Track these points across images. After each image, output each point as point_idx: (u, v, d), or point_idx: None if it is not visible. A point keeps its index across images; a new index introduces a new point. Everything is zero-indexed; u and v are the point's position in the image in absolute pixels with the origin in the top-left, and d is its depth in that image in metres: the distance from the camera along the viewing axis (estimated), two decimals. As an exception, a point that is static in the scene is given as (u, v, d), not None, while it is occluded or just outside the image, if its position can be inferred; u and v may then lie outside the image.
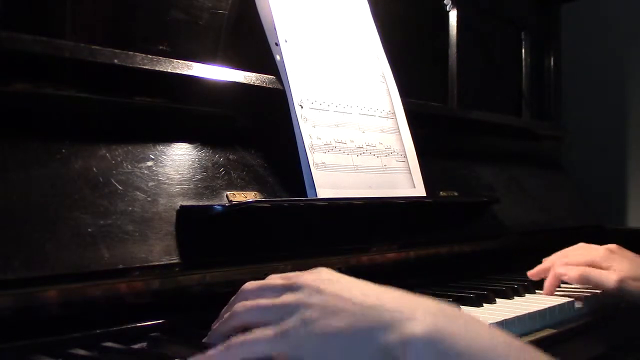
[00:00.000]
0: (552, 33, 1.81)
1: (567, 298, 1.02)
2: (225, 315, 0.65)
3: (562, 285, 1.12)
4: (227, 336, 0.62)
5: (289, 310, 0.59)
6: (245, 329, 0.61)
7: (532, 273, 1.12)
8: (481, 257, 1.25)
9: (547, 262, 1.11)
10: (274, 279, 0.66)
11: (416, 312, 0.55)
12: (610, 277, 1.01)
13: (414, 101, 1.20)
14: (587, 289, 1.09)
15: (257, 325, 0.60)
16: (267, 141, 0.95)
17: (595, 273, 1.03)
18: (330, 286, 0.60)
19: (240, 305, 0.63)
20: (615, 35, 1.95)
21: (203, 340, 0.67)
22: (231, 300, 0.68)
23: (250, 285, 0.66)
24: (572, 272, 1.04)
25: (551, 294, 1.06)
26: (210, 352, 0.59)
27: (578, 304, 1.02)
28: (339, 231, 0.97)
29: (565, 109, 1.86)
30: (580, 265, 1.05)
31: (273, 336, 0.57)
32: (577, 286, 1.11)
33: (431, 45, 1.45)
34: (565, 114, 1.86)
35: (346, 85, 1.05)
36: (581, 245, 1.12)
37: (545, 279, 1.08)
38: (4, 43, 0.69)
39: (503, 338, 0.54)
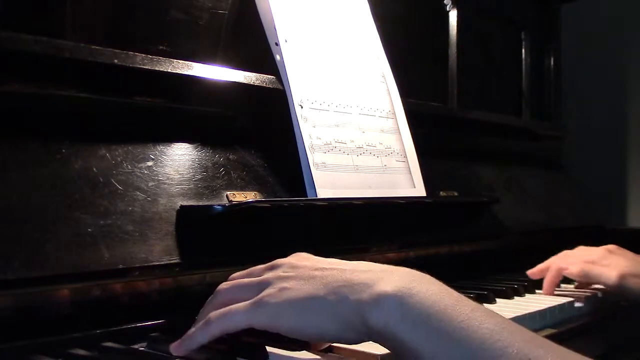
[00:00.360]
0: (552, 33, 1.81)
1: (567, 298, 1.02)
2: (210, 297, 0.66)
3: (562, 285, 1.12)
4: None
5: (266, 284, 0.61)
6: None
7: (533, 272, 1.12)
8: (481, 257, 1.25)
9: (547, 262, 1.12)
10: (257, 267, 0.68)
11: (387, 274, 0.58)
12: (610, 273, 1.02)
13: (414, 101, 1.20)
14: (587, 289, 1.10)
15: (236, 302, 0.61)
16: (267, 141, 0.95)
17: (596, 269, 1.04)
18: (307, 262, 0.63)
19: (223, 285, 0.66)
20: (615, 35, 1.95)
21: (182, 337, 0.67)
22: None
23: (236, 273, 0.69)
24: (573, 268, 1.06)
25: (551, 291, 1.07)
26: (191, 330, 0.61)
27: (578, 304, 1.02)
28: (339, 231, 0.97)
29: (565, 109, 1.86)
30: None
31: (250, 306, 0.59)
32: (577, 286, 1.11)
33: (431, 45, 1.45)
34: (565, 114, 1.85)
35: (346, 85, 1.05)
36: (580, 247, 1.13)
37: (544, 278, 1.09)
38: (4, 43, 0.69)
39: (467, 299, 0.57)
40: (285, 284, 0.60)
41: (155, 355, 0.67)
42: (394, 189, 1.05)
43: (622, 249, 1.09)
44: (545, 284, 1.08)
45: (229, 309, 0.60)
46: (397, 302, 0.55)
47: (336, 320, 0.57)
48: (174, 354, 0.62)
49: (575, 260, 1.08)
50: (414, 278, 0.57)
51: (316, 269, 0.61)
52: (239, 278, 0.67)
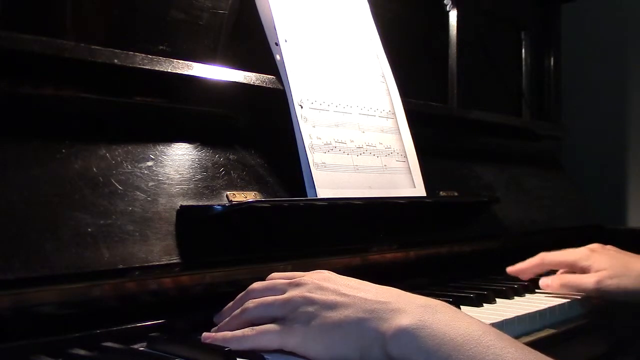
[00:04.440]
0: (552, 33, 1.81)
1: (567, 298, 1.02)
2: (237, 311, 0.70)
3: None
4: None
5: (293, 305, 0.66)
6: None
7: (513, 270, 1.13)
8: (481, 257, 1.25)
9: (530, 259, 1.13)
10: (279, 279, 0.72)
11: (405, 305, 0.63)
12: (588, 280, 1.03)
13: (414, 101, 1.20)
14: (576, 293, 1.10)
15: (264, 320, 0.67)
16: (267, 141, 0.95)
17: (573, 279, 1.05)
18: (330, 283, 0.67)
19: (251, 302, 0.70)
20: (616, 35, 1.95)
21: (212, 331, 0.71)
22: (237, 297, 0.73)
23: (257, 284, 0.73)
24: (553, 283, 1.07)
25: (527, 272, 1.11)
26: (228, 334, 0.67)
27: (578, 304, 1.02)
28: (339, 231, 0.97)
29: (565, 109, 1.86)
30: (561, 266, 1.09)
31: (279, 332, 0.65)
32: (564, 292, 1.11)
33: (431, 45, 1.45)
34: (565, 114, 1.85)
35: (346, 85, 1.05)
36: (564, 250, 1.13)
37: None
38: (3, 43, 0.69)
39: (478, 324, 0.61)
40: (311, 309, 0.65)
41: (155, 355, 0.67)
42: (394, 189, 1.05)
43: (604, 246, 1.10)
44: (521, 268, 1.11)
45: (262, 330, 0.66)
46: (412, 335, 0.60)
47: (358, 348, 0.62)
48: (203, 342, 0.68)
49: (556, 260, 1.10)
50: (429, 309, 0.62)
51: (341, 295, 0.65)
52: (261, 291, 0.71)
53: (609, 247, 1.10)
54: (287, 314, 0.66)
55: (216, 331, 0.70)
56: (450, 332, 0.59)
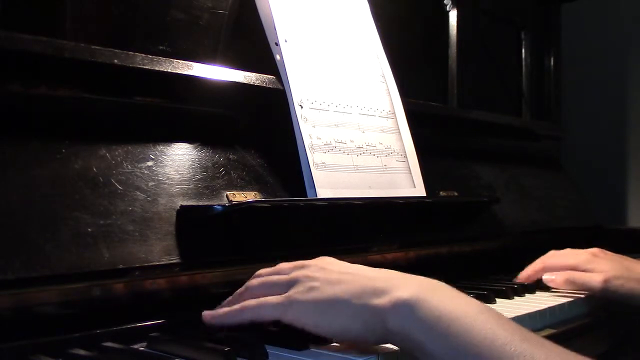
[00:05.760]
0: (552, 33, 1.81)
1: (567, 298, 1.02)
2: (241, 289, 0.71)
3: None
4: None
5: (296, 282, 0.67)
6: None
7: (522, 278, 1.13)
8: (481, 257, 1.25)
9: (533, 265, 1.12)
10: (284, 265, 0.73)
11: (405, 282, 0.64)
12: (595, 278, 1.03)
13: (414, 101, 1.20)
14: (579, 291, 1.10)
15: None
16: (267, 141, 0.95)
17: (580, 276, 1.05)
18: (334, 266, 0.69)
19: (253, 281, 0.71)
20: (616, 35, 1.95)
21: (215, 309, 0.71)
22: (246, 282, 0.73)
23: (263, 270, 0.74)
24: (558, 278, 1.07)
25: (530, 277, 1.10)
26: (226, 309, 0.68)
27: (578, 304, 1.02)
28: (339, 231, 0.97)
29: (565, 109, 1.86)
30: (563, 270, 1.08)
31: (280, 301, 0.65)
32: (568, 289, 1.11)
33: (431, 45, 1.45)
34: (565, 114, 1.85)
35: (346, 85, 1.05)
36: (567, 249, 1.13)
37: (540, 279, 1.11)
38: (4, 43, 0.69)
39: (476, 303, 0.63)
40: (313, 284, 0.66)
41: (155, 355, 0.67)
42: (394, 189, 1.05)
43: (606, 251, 1.10)
44: (523, 276, 1.10)
45: (262, 300, 0.66)
46: (412, 307, 0.60)
47: (358, 321, 0.62)
48: (204, 319, 0.69)
49: (559, 263, 1.09)
50: (428, 285, 0.64)
51: (343, 273, 0.67)
52: (267, 275, 0.72)
53: (609, 252, 1.10)
54: (289, 290, 0.67)
55: (220, 306, 0.71)
56: (448, 306, 0.60)
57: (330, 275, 0.66)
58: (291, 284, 0.67)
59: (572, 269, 1.07)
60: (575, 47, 1.92)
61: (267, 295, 0.68)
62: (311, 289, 0.65)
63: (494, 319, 0.60)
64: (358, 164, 1.01)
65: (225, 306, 0.71)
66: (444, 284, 0.66)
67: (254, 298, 0.68)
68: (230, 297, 0.73)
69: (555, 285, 1.07)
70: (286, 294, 0.66)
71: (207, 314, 0.69)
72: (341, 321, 0.63)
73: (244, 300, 0.69)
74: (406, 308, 0.60)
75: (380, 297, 0.62)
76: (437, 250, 1.16)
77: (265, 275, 0.72)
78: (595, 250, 1.10)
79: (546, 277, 1.08)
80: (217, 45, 0.99)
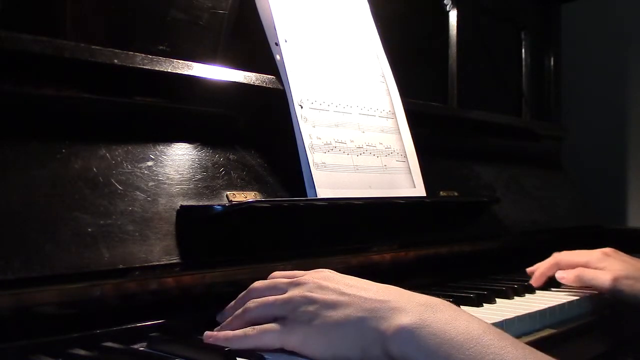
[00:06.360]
0: (552, 33, 1.81)
1: (567, 298, 1.02)
2: (238, 311, 0.71)
3: (563, 285, 1.12)
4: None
5: (294, 304, 0.66)
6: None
7: (536, 275, 1.13)
8: (481, 257, 1.25)
9: (546, 261, 1.13)
10: (279, 278, 0.72)
11: (405, 304, 0.63)
12: (604, 276, 1.03)
13: (414, 101, 1.20)
14: (587, 289, 1.10)
15: (265, 320, 0.67)
16: (267, 141, 0.95)
17: (590, 273, 1.06)
18: (331, 282, 0.68)
19: (252, 302, 0.70)
20: (616, 35, 1.95)
21: (214, 330, 0.71)
22: (239, 296, 0.73)
23: (258, 283, 0.73)
24: (568, 274, 1.08)
25: (541, 281, 1.10)
26: (229, 333, 0.67)
27: (578, 304, 1.02)
28: (339, 231, 0.97)
29: (565, 109, 1.86)
30: (575, 267, 1.09)
31: (282, 330, 0.65)
32: (577, 286, 1.12)
33: (431, 45, 1.45)
34: (565, 114, 1.86)
35: (346, 85, 1.05)
36: (578, 250, 1.14)
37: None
38: (4, 43, 0.69)
39: (478, 323, 0.61)
40: (312, 309, 0.65)
41: (155, 355, 0.67)
42: (394, 188, 1.05)
43: (618, 251, 1.10)
44: (537, 273, 1.11)
45: (262, 329, 0.66)
46: (413, 333, 0.60)
47: (358, 347, 0.62)
48: (205, 340, 0.68)
49: (570, 260, 1.10)
50: (429, 307, 0.63)
51: (341, 294, 0.66)
52: (262, 290, 0.71)
53: (621, 253, 1.11)
54: (288, 314, 0.66)
55: (218, 331, 0.70)
56: (450, 331, 0.59)
57: (328, 297, 0.65)
58: (289, 307, 0.66)
59: (584, 267, 1.08)
60: (575, 47, 1.92)
61: (265, 316, 0.68)
62: (310, 315, 0.65)
63: (498, 340, 0.59)
64: (358, 164, 1.01)
65: (225, 328, 0.70)
66: (444, 302, 0.65)
67: (253, 318, 0.68)
68: (229, 318, 0.71)
69: (566, 282, 1.08)
70: (284, 323, 0.65)
71: (208, 335, 0.69)
72: (342, 349, 0.63)
73: (243, 321, 0.69)
74: (407, 334, 0.60)
75: (380, 323, 0.62)
76: (437, 250, 1.16)
77: (260, 290, 0.71)
78: (607, 249, 1.10)
79: (559, 274, 1.09)
80: (217, 45, 0.99)
